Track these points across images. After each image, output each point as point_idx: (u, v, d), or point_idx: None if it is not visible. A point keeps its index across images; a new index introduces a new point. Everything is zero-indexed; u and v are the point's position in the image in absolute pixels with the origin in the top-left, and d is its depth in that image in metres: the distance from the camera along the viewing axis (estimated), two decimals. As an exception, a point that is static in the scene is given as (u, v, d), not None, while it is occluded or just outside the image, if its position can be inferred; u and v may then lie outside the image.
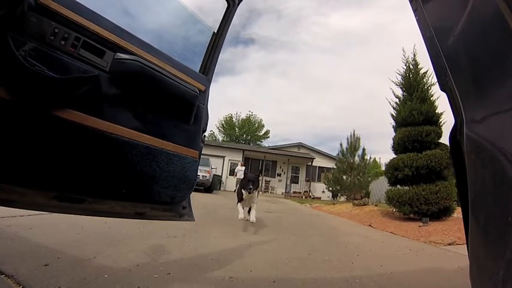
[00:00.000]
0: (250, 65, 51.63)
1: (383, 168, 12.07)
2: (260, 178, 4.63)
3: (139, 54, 1.21)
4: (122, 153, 1.16)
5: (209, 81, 1.63)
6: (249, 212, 4.06)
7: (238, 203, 3.94)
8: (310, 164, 19.81)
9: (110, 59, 1.12)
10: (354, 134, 13.78)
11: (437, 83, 0.92)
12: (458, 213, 6.26)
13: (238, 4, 1.71)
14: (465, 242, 0.78)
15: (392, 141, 7.62)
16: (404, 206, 6.37)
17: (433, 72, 0.95)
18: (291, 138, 51.67)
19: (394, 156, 7.35)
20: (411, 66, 7.84)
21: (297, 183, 20.05)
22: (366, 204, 9.38)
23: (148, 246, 2.24)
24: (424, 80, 7.49)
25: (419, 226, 5.58)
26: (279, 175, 20.28)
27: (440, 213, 6.18)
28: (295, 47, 47.34)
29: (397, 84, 7.98)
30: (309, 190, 18.74)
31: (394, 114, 7.73)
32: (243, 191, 3.90)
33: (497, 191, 0.58)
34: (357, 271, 2.19)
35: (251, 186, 3.72)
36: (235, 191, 14.41)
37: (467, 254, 0.75)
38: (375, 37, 48.37)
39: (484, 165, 0.64)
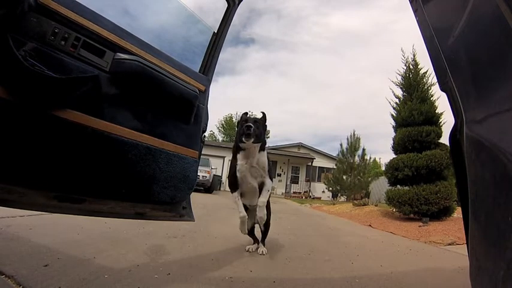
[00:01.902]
0: (251, 65, 51.85)
1: (383, 168, 12.08)
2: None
3: (139, 54, 1.21)
4: (122, 154, 1.16)
5: (209, 81, 1.63)
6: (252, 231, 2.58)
7: (235, 194, 2.23)
8: (310, 164, 19.81)
9: (110, 59, 1.12)
10: (354, 134, 13.83)
11: (437, 83, 0.91)
12: (458, 213, 6.26)
13: (238, 4, 1.72)
14: (465, 242, 0.78)
15: (392, 141, 7.63)
16: (405, 206, 6.37)
17: (433, 72, 0.95)
18: (291, 138, 51.80)
19: (394, 156, 7.35)
20: (411, 67, 7.84)
21: (297, 183, 20.05)
22: (366, 205, 9.38)
23: (148, 247, 2.24)
24: (424, 80, 7.49)
25: (419, 226, 5.57)
26: (279, 175, 20.27)
27: (441, 213, 6.18)
28: (295, 47, 47.43)
29: (397, 85, 7.99)
30: (309, 190, 18.74)
31: (394, 115, 7.73)
32: (238, 154, 2.17)
33: (497, 191, 0.58)
34: (357, 271, 2.19)
35: (251, 125, 2.02)
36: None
37: (467, 254, 0.75)
38: (375, 37, 48.44)
39: (484, 165, 0.64)
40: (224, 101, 42.06)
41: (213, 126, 31.72)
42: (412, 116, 6.96)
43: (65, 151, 1.02)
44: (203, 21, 1.73)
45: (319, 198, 17.68)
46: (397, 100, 7.90)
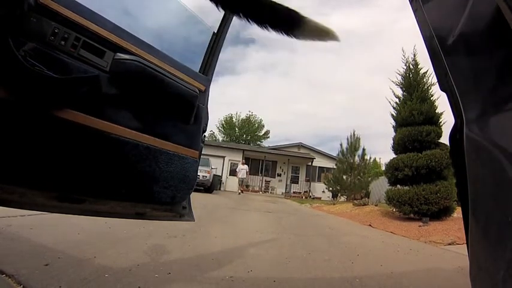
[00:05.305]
0: (251, 65, 51.71)
1: (383, 168, 12.06)
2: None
3: (139, 54, 1.21)
4: (122, 154, 1.16)
5: (209, 81, 1.63)
6: None
7: None
8: (310, 164, 19.80)
9: (110, 59, 1.12)
10: (354, 134, 13.80)
11: (437, 83, 0.91)
12: (458, 213, 6.26)
13: (239, 4, 1.71)
14: (465, 242, 0.78)
15: (392, 141, 7.63)
16: (405, 206, 6.37)
17: (433, 72, 0.95)
18: (291, 138, 51.57)
19: (394, 156, 7.36)
20: (411, 66, 7.84)
21: (297, 183, 20.03)
22: (366, 204, 9.38)
23: (148, 246, 2.24)
24: (424, 80, 7.49)
25: (420, 226, 5.58)
26: (279, 175, 20.27)
27: (441, 213, 6.18)
28: (295, 47, 47.30)
29: (397, 84, 8.00)
30: (309, 190, 18.73)
31: (394, 114, 7.74)
32: None
33: (497, 191, 0.58)
34: (357, 271, 2.19)
35: None
36: (238, 193, 14.04)
37: (467, 254, 0.75)
38: (375, 37, 48.47)
39: (484, 165, 0.64)
40: (224, 101, 41.85)
41: (213, 126, 31.60)
42: (412, 116, 6.96)
43: (65, 151, 1.02)
44: (203, 21, 1.73)
45: (319, 198, 17.66)
46: (397, 100, 7.90)
